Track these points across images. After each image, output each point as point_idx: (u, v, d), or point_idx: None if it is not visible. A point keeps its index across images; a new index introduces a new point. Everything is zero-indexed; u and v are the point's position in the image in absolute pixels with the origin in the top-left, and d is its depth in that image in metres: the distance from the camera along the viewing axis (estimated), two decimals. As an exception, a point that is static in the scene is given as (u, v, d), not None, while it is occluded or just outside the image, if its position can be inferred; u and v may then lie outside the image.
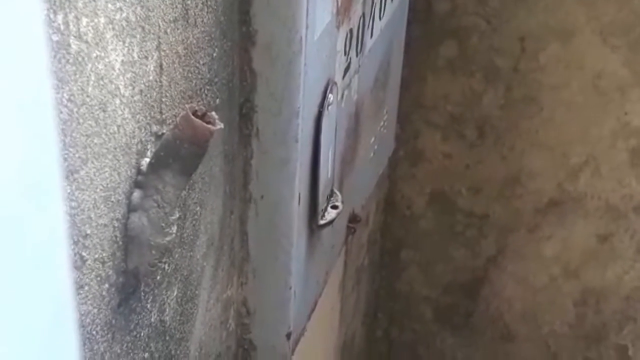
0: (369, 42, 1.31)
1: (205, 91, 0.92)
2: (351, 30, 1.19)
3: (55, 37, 0.62)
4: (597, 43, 1.89)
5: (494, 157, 2.06)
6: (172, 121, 0.83)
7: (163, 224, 0.79)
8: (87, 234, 0.71)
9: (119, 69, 0.72)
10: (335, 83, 1.13)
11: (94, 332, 0.75)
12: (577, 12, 1.88)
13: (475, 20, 1.93)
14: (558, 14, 1.88)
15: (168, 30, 0.81)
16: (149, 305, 0.86)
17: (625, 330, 2.19)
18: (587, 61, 1.92)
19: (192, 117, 0.76)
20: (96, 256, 0.73)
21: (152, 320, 0.88)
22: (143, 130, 0.79)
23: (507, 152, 2.05)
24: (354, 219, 1.45)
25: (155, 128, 0.81)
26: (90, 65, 0.67)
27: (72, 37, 0.64)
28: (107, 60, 0.70)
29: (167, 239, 0.80)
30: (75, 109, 0.66)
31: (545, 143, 2.01)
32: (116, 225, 0.76)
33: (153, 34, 0.77)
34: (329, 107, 1.11)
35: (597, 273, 2.13)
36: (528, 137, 2.02)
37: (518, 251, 2.16)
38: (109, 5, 0.69)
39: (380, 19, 1.35)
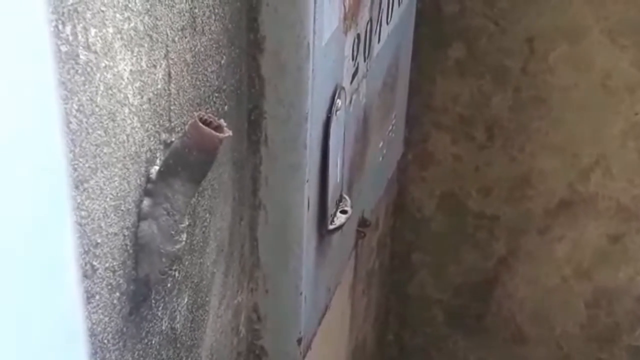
0: (376, 47, 1.31)
1: (214, 98, 0.93)
2: (359, 35, 1.19)
3: (64, 48, 0.62)
4: (605, 43, 1.89)
5: (504, 158, 2.06)
6: (181, 129, 0.83)
7: (173, 232, 0.79)
8: (97, 243, 0.71)
9: (127, 78, 0.72)
10: (344, 88, 1.13)
11: (106, 341, 0.76)
12: (585, 12, 1.87)
13: (484, 21, 1.93)
14: (566, 15, 1.88)
15: (176, 39, 0.81)
16: (159, 313, 0.87)
17: (638, 331, 2.18)
18: (596, 61, 1.91)
19: (201, 124, 0.76)
20: (107, 265, 0.74)
21: (163, 327, 0.88)
22: (152, 139, 0.79)
23: (517, 153, 2.05)
24: (363, 223, 1.45)
25: (164, 136, 0.81)
26: (99, 75, 0.68)
27: (81, 48, 0.64)
28: (115, 69, 0.70)
29: (177, 246, 0.80)
30: (84, 119, 0.66)
31: (555, 144, 2.01)
32: (126, 233, 0.76)
33: (161, 42, 0.78)
34: (338, 113, 1.11)
35: (609, 274, 2.13)
36: (537, 138, 2.01)
37: (529, 252, 2.15)
38: (117, 15, 0.69)
39: (387, 23, 1.35)
